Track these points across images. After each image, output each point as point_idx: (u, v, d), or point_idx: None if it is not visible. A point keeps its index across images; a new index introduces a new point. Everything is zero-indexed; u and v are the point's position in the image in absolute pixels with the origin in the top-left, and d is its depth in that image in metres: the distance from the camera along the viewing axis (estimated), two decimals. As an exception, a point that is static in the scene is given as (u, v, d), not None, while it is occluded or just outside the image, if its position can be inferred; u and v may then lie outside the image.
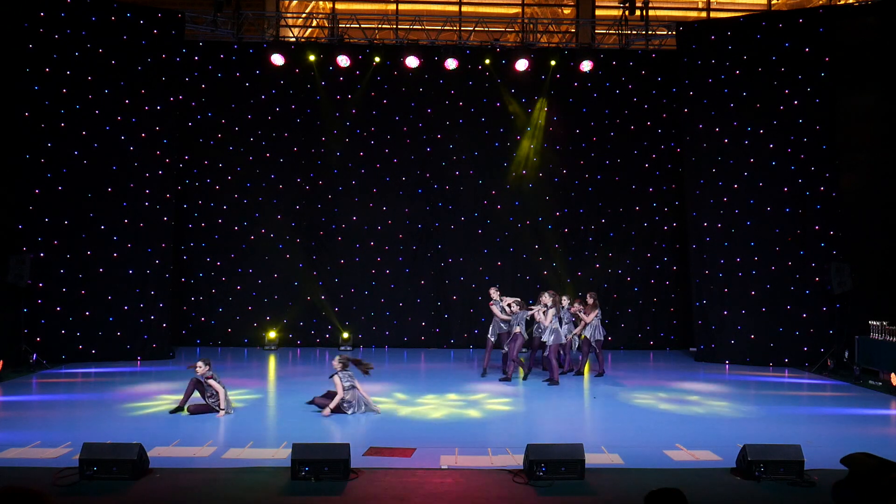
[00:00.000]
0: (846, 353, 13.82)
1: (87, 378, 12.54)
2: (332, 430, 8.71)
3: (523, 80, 16.61)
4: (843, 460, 3.67)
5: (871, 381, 12.46)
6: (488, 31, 16.93)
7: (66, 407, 9.97)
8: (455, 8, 17.75)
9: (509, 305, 12.46)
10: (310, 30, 18.34)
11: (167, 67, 14.85)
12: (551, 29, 17.94)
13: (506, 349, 12.40)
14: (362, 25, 16.70)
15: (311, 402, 9.84)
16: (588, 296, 13.47)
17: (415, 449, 7.72)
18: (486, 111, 16.87)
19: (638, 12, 16.08)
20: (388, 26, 17.12)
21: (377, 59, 16.36)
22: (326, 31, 17.57)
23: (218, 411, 9.28)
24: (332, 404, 9.32)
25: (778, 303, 14.60)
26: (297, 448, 6.69)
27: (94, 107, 14.23)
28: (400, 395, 11.03)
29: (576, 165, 16.95)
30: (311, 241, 16.80)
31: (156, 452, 7.28)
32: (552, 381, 12.06)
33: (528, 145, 16.91)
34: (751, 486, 6.59)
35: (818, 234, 14.43)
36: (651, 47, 16.89)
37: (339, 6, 18.02)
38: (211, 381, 9.32)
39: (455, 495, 6.25)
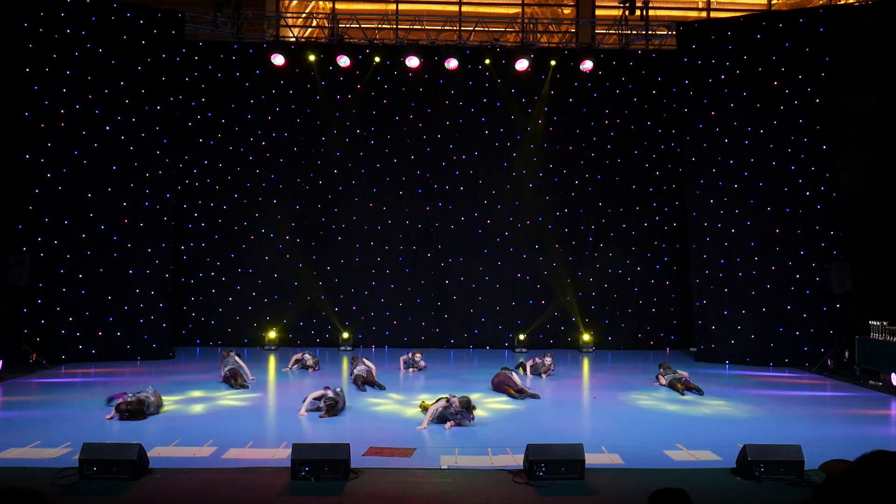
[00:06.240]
0: (846, 353, 13.81)
1: (87, 378, 12.53)
2: (332, 430, 8.71)
3: (523, 80, 16.61)
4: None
5: (871, 381, 12.45)
6: (488, 31, 16.93)
7: (66, 407, 9.96)
8: (455, 8, 17.75)
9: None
10: (310, 30, 18.35)
11: (167, 67, 14.85)
12: (551, 29, 17.94)
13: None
14: (362, 25, 16.70)
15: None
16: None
17: (415, 449, 7.72)
18: (486, 111, 16.87)
19: (638, 12, 16.09)
20: (388, 26, 17.12)
21: (377, 59, 16.37)
22: (326, 31, 17.57)
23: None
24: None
25: (778, 303, 14.60)
26: (297, 448, 6.68)
27: (94, 107, 14.23)
28: (400, 396, 11.03)
29: (576, 165, 16.95)
30: (311, 241, 16.81)
31: (156, 452, 7.27)
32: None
33: (528, 145, 16.91)
34: (751, 486, 6.58)
35: (818, 234, 14.43)
36: (651, 47, 16.88)
37: (339, 6, 18.01)
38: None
39: (455, 495, 6.25)
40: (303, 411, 9.41)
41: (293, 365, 13.50)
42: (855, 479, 2.12)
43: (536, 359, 13.27)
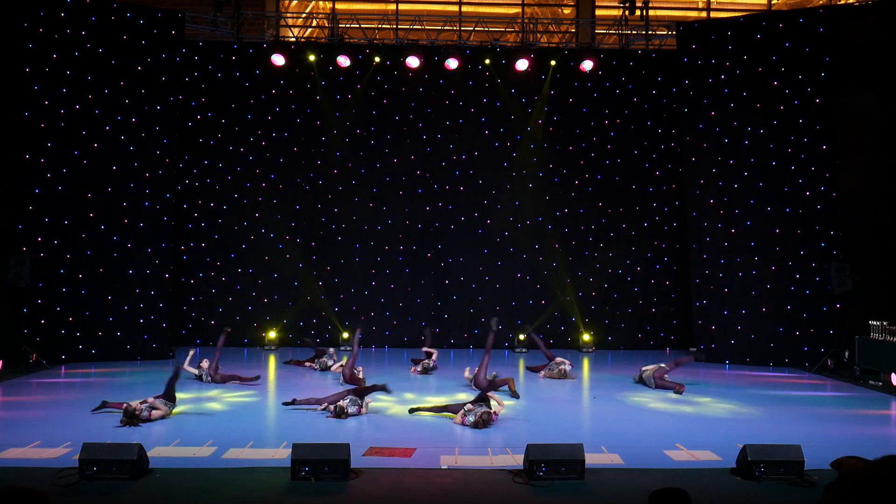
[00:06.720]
0: (846, 353, 13.81)
1: (87, 378, 12.53)
2: (332, 430, 8.71)
3: (523, 80, 16.61)
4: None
5: (871, 381, 12.45)
6: (488, 31, 16.93)
7: (66, 407, 9.96)
8: (455, 8, 17.75)
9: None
10: (310, 30, 18.35)
11: (167, 67, 14.85)
12: (551, 29, 17.94)
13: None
14: (362, 25, 16.70)
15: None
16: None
17: (415, 449, 7.72)
18: (486, 111, 16.87)
19: (638, 12, 16.09)
20: (388, 26, 17.12)
21: (377, 59, 16.37)
22: (326, 31, 17.57)
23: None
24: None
25: (778, 303, 14.60)
26: (297, 448, 6.69)
27: (94, 107, 14.23)
28: (399, 396, 11.02)
29: (576, 165, 16.95)
30: (311, 241, 16.82)
31: (156, 452, 7.27)
32: None
33: (528, 145, 16.91)
34: (751, 486, 6.59)
35: (818, 234, 14.43)
36: (651, 47, 16.88)
37: (339, 6, 18.01)
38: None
39: (455, 495, 6.25)
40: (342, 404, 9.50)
41: (321, 367, 13.46)
42: (877, 481, 2.07)
43: (559, 359, 13.00)
